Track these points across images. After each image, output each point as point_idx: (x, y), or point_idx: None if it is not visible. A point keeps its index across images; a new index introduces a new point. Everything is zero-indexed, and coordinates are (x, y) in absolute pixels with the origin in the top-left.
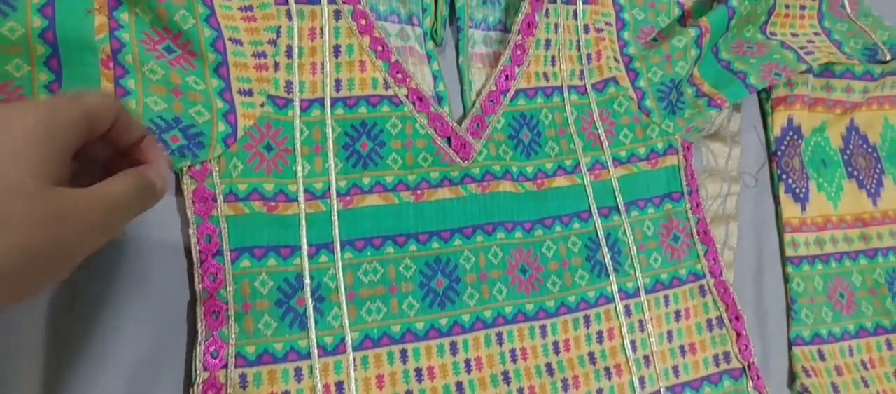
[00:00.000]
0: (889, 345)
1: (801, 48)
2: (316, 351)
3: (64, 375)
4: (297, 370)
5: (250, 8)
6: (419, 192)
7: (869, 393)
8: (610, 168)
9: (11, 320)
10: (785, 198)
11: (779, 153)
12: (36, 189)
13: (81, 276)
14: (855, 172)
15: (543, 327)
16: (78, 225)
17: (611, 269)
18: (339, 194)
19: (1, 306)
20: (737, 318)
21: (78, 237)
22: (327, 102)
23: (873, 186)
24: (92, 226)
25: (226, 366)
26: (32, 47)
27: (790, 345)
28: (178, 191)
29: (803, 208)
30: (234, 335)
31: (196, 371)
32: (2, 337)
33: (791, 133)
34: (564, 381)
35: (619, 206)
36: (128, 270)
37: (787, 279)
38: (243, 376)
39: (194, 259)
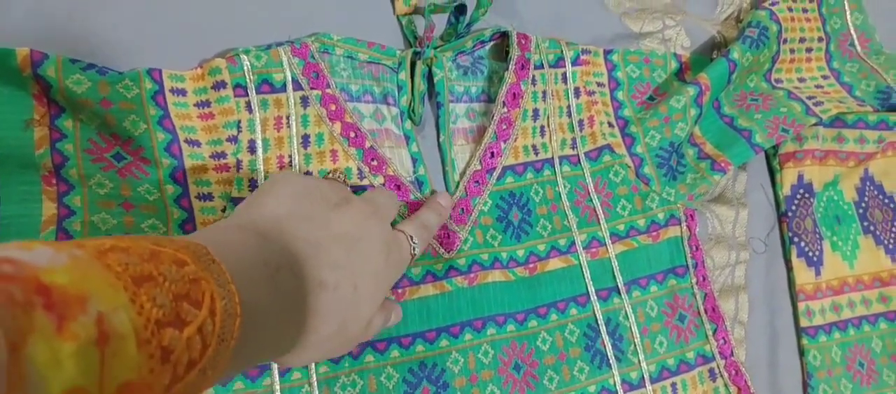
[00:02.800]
0: None
1: (810, 98)
2: None
3: None
4: None
5: (207, 103)
6: (400, 291)
7: None
8: (608, 245)
9: None
10: (798, 263)
11: (789, 214)
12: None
13: None
14: (871, 227)
15: None
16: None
17: (612, 358)
18: None
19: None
20: None
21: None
22: None
23: (891, 241)
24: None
25: None
26: None
27: None
28: None
29: (817, 273)
30: None
31: None
32: None
33: (802, 191)
34: None
35: (619, 286)
36: None
37: (802, 352)
38: None
39: None
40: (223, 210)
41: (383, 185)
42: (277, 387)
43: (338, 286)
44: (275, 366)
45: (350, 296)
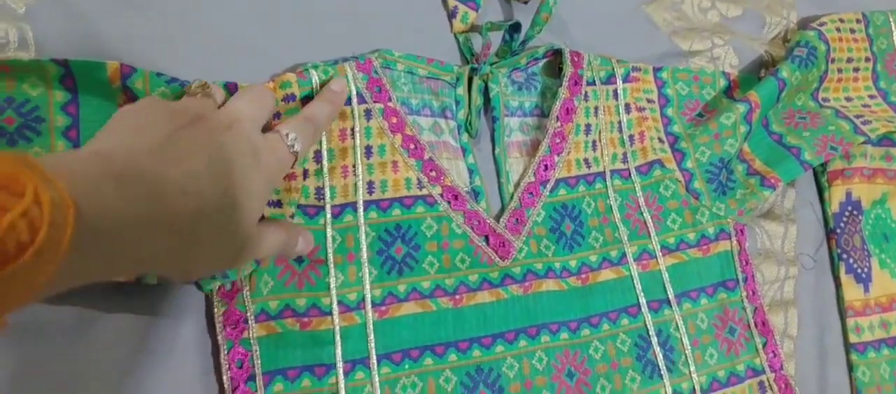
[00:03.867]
0: None
1: (858, 116)
2: None
3: None
4: None
5: (278, 115)
6: (458, 297)
7: None
8: (658, 257)
9: None
10: (846, 279)
11: (838, 231)
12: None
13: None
14: None
15: None
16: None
17: (664, 368)
18: (373, 304)
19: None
20: None
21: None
22: (360, 206)
23: None
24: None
25: None
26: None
27: None
28: (209, 313)
29: (866, 289)
30: None
31: None
32: None
33: (850, 208)
34: None
35: (670, 298)
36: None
37: (851, 368)
38: None
39: (225, 386)
40: (292, 216)
41: (442, 194)
42: (342, 386)
43: (201, 192)
44: (340, 366)
45: (219, 201)
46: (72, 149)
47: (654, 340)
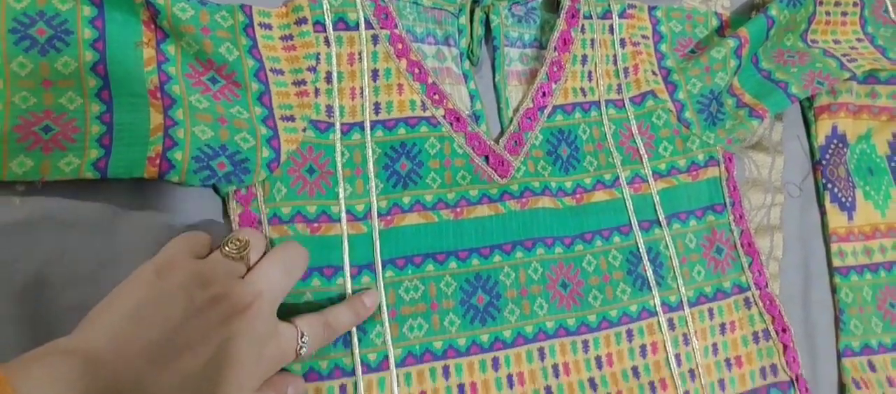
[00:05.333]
0: None
1: (844, 55)
2: (360, 369)
3: None
4: (342, 387)
5: (290, 37)
6: (458, 209)
7: None
8: (650, 181)
9: None
10: (831, 207)
11: (823, 162)
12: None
13: None
14: None
15: (585, 342)
16: None
17: (653, 282)
18: (379, 215)
19: None
20: (783, 330)
21: None
22: (367, 126)
23: None
24: None
25: None
26: (85, 80)
27: (839, 357)
28: (225, 214)
29: (850, 218)
30: None
31: None
32: None
33: (835, 141)
34: None
35: (660, 219)
36: None
37: (834, 290)
38: None
39: None
40: (304, 130)
41: (444, 116)
42: (349, 287)
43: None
44: (347, 269)
45: None
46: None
47: (645, 256)
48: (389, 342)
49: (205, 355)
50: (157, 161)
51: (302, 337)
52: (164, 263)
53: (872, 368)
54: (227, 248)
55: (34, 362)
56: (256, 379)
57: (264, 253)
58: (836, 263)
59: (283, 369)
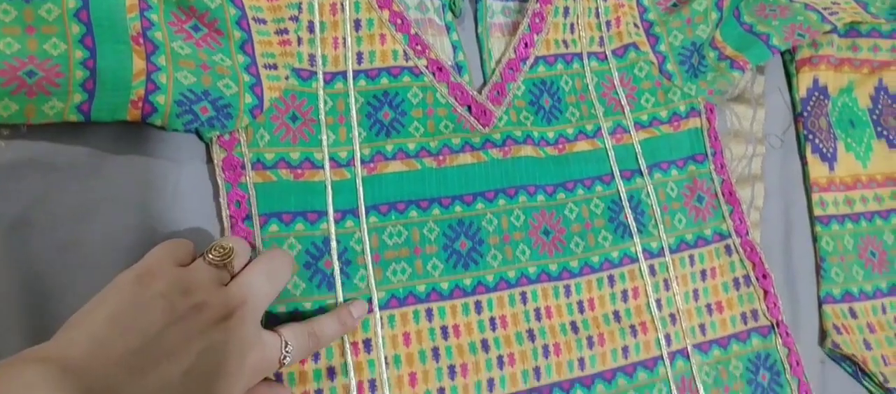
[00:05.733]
0: None
1: (825, 8)
2: None
3: None
4: None
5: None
6: (441, 157)
7: None
8: (632, 132)
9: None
10: (812, 158)
11: (805, 114)
12: None
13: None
14: (885, 132)
15: (567, 287)
16: None
17: (634, 230)
18: (362, 162)
19: None
20: (764, 276)
21: None
22: (349, 75)
23: None
24: None
25: None
26: (68, 26)
27: (820, 303)
28: (209, 159)
29: (831, 168)
30: None
31: None
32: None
33: (817, 94)
34: (589, 338)
35: (642, 168)
36: (165, 235)
37: (815, 239)
38: None
39: (225, 224)
40: (286, 78)
41: (427, 66)
42: (333, 231)
43: None
44: (331, 214)
45: None
46: (43, 344)
47: (626, 205)
48: (373, 285)
49: (185, 363)
50: (140, 104)
51: (286, 346)
52: (146, 270)
53: (853, 314)
54: (210, 255)
55: (10, 368)
56: (239, 388)
57: (249, 260)
58: (817, 212)
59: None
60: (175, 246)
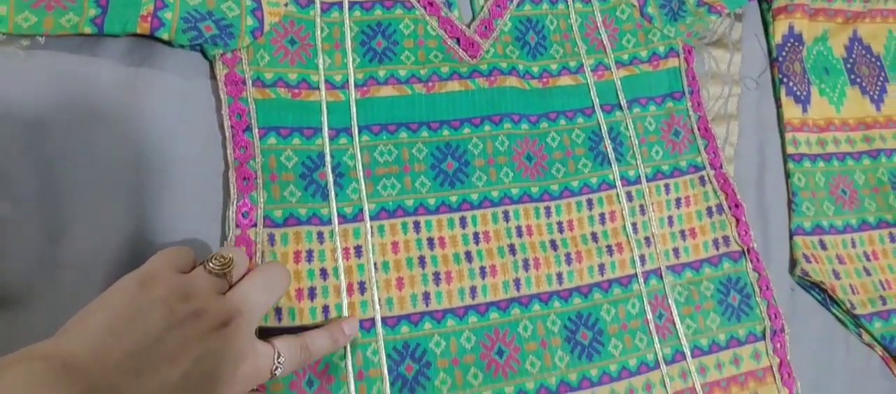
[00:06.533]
0: (892, 238)
1: None
2: (336, 219)
3: (118, 221)
4: (320, 234)
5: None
6: (430, 84)
7: (871, 281)
8: (613, 70)
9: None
10: (786, 100)
11: (780, 59)
12: None
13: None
14: (858, 79)
15: (548, 208)
16: None
17: (613, 158)
18: (356, 86)
19: None
20: (736, 205)
21: None
22: (345, 5)
23: (877, 92)
24: None
25: (255, 225)
26: None
27: (791, 235)
28: (212, 76)
29: (805, 110)
30: (262, 200)
31: (229, 228)
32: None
33: (792, 40)
34: (568, 255)
35: (622, 103)
36: (172, 144)
37: (788, 175)
38: (271, 236)
39: (227, 134)
40: (285, 5)
41: (418, 1)
42: (327, 147)
43: None
44: (325, 131)
45: None
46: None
47: (606, 135)
48: (364, 197)
49: (182, 367)
50: (149, 19)
51: (278, 357)
52: (147, 275)
53: (823, 246)
54: (210, 264)
55: (12, 364)
56: (234, 390)
57: (247, 272)
58: (790, 150)
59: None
60: (177, 253)
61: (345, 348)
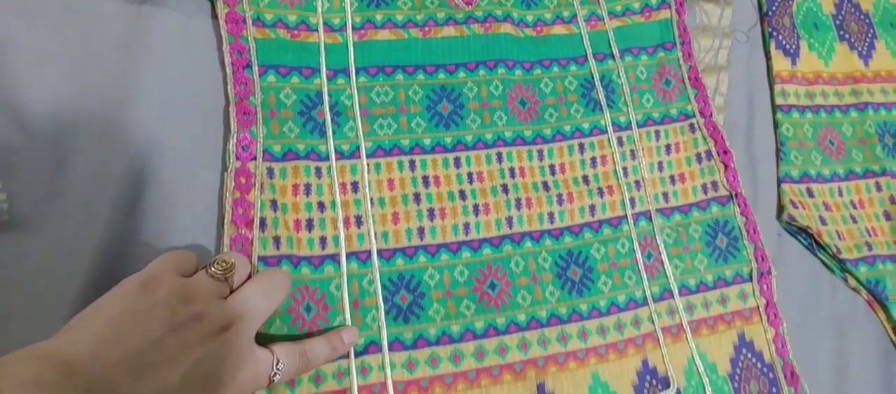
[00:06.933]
0: (878, 187)
1: None
2: (333, 155)
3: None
4: (318, 169)
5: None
6: (426, 29)
7: (857, 228)
8: (605, 20)
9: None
10: (776, 53)
11: (770, 13)
12: None
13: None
14: (846, 36)
15: (541, 151)
16: None
17: (605, 105)
18: (354, 28)
19: None
20: (725, 152)
21: None
22: None
23: (865, 48)
24: None
25: (255, 158)
26: None
27: (779, 183)
28: (214, 15)
29: (794, 63)
30: (261, 134)
31: (229, 161)
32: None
33: None
34: (559, 196)
35: (614, 52)
36: (175, 82)
37: (776, 125)
38: (270, 169)
39: (227, 71)
40: None
41: None
42: (325, 87)
43: None
44: (324, 71)
45: None
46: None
47: (598, 83)
48: (361, 135)
49: (182, 369)
50: None
51: (277, 364)
52: (150, 278)
53: (810, 194)
54: (212, 268)
55: (13, 363)
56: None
57: (248, 277)
58: (779, 101)
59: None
60: (179, 257)
61: (340, 277)
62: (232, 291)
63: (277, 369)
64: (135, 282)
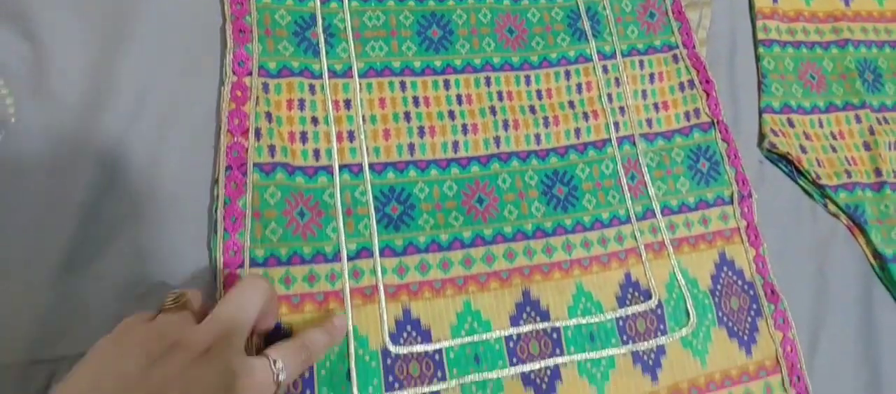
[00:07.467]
0: (858, 119)
1: None
2: (327, 73)
3: (121, 68)
4: (311, 86)
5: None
6: None
7: (837, 157)
8: None
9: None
10: None
11: None
12: None
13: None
14: None
15: (527, 77)
16: None
17: (590, 35)
18: None
19: None
20: (707, 81)
21: None
22: None
23: None
24: None
25: (250, 73)
26: None
27: (760, 113)
28: None
29: (775, 0)
30: (257, 51)
31: (226, 75)
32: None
33: None
34: (546, 119)
35: None
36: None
37: (758, 59)
38: (265, 84)
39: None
40: None
41: None
42: (319, 12)
43: None
44: None
45: None
46: None
47: (584, 13)
48: (353, 56)
49: (173, 390)
50: None
51: (275, 364)
52: (119, 332)
53: (791, 124)
54: (166, 303)
55: None
56: None
57: (204, 302)
58: (761, 36)
59: None
60: (140, 315)
61: (333, 187)
62: (204, 317)
63: (278, 369)
64: (106, 339)
